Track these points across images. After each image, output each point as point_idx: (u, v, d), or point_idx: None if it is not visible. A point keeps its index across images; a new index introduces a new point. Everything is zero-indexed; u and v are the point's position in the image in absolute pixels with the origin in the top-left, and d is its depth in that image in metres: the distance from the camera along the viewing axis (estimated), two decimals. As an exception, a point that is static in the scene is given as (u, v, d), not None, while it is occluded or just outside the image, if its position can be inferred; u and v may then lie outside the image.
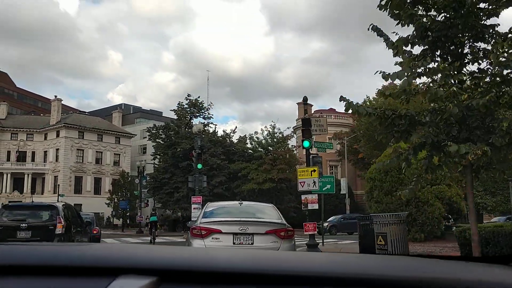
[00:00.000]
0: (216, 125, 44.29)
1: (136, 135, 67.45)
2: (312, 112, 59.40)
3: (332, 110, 58.81)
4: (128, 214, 47.38)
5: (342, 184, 42.33)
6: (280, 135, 38.06)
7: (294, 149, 39.28)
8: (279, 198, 37.51)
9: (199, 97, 39.76)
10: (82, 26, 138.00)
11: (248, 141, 39.23)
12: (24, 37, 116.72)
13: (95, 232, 17.28)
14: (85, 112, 67.00)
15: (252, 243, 6.80)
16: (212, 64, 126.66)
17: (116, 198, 50.32)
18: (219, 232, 6.93)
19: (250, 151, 39.74)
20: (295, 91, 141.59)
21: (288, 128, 40.56)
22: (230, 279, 0.85)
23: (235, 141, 40.26)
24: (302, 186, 14.39)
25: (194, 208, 25.37)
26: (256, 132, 38.26)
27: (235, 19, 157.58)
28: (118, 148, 65.13)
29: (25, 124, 62.81)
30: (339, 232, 31.98)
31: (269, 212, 7.97)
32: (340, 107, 11.34)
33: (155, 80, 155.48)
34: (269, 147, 37.92)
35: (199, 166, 26.22)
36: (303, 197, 14.69)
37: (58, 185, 57.76)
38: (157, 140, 40.20)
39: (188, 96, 39.37)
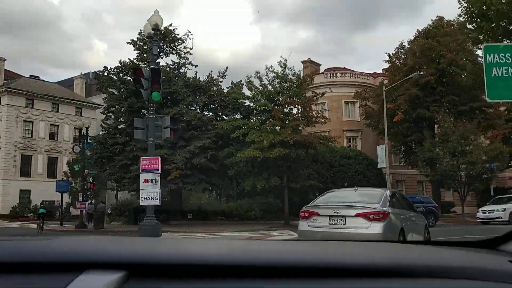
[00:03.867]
0: (197, 66, 29.90)
1: (103, 105, 54.17)
2: (322, 71, 46.95)
3: (345, 69, 46.35)
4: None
5: (380, 154, 29.69)
6: (294, 77, 25.06)
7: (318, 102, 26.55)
8: (293, 173, 24.82)
9: (171, 24, 26.66)
10: (67, 15, 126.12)
11: (245, 89, 26.16)
12: (8, 28, 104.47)
13: None
14: (38, 77, 53.69)
15: (344, 224, 7.68)
16: (200, 55, 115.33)
17: (74, 183, 38.08)
18: (317, 214, 8.13)
19: (248, 103, 26.76)
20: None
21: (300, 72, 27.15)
22: (202, 272, 0.82)
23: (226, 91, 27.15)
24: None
25: (144, 182, 12.88)
26: (258, 73, 25.02)
27: (221, 9, 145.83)
28: (79, 122, 51.86)
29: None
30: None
31: (373, 197, 8.43)
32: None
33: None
34: (280, 96, 24.98)
35: (155, 95, 13.41)
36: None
37: (-3, 165, 44.75)
38: (110, 89, 27.09)
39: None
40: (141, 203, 13.93)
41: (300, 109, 25.36)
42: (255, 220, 28.57)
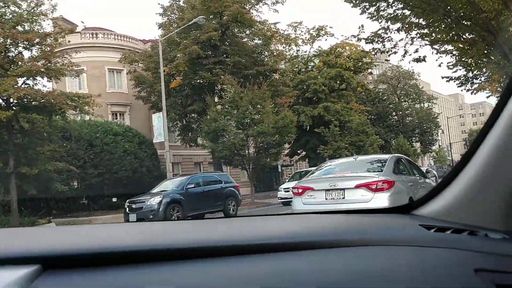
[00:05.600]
0: None
1: None
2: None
3: (108, 30, 37.84)
4: None
5: (156, 124, 22.97)
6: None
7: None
8: (25, 152, 15.58)
9: None
10: None
11: None
12: None
13: None
14: None
15: (344, 198, 6.96)
16: None
17: None
18: (312, 189, 7.43)
19: None
20: None
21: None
22: (119, 260, 0.79)
23: None
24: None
25: None
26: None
27: None
28: None
29: None
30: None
31: (375, 165, 7.72)
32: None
33: None
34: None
35: None
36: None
37: None
38: None
39: None
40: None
41: (38, 51, 16.24)
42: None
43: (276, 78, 29.26)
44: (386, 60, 28.43)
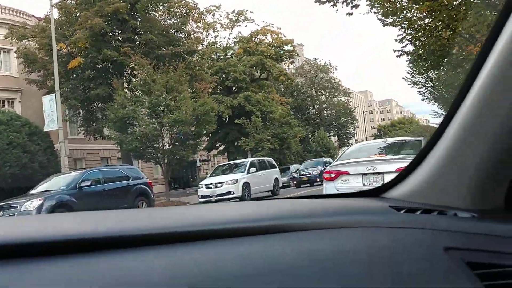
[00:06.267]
0: None
1: None
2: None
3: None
4: None
5: (47, 108, 18.96)
6: None
7: None
8: None
9: None
10: None
11: None
12: None
13: None
14: None
15: (383, 182, 5.62)
16: None
17: None
18: (347, 173, 6.97)
19: None
20: None
21: None
22: (64, 248, 0.74)
23: None
24: None
25: None
26: None
27: None
28: None
29: None
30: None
31: (411, 147, 7.43)
32: None
33: None
34: None
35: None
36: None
37: None
38: None
39: None
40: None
41: None
42: None
43: (194, 60, 26.19)
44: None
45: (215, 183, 16.72)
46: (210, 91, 26.82)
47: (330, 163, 29.30)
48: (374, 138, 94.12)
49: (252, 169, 17.68)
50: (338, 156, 8.25)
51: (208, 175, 19.15)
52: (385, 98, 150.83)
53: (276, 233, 0.83)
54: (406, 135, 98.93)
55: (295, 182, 24.85)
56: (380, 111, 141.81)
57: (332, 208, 1.03)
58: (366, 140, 66.53)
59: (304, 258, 0.77)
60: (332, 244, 0.82)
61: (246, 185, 16.82)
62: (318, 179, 24.10)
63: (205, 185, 17.29)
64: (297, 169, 27.27)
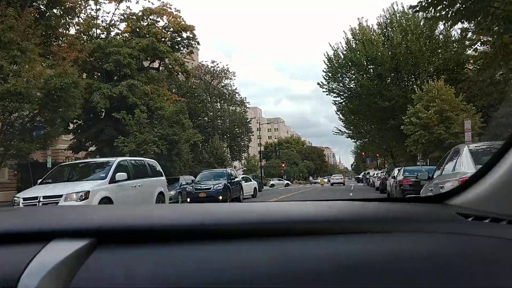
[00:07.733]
0: None
1: None
2: None
3: None
4: None
5: None
6: None
7: None
8: None
9: None
10: None
11: None
12: None
13: None
14: None
15: None
16: None
17: None
18: None
19: None
20: None
21: None
22: (170, 236, 0.81)
23: None
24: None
25: None
26: None
27: None
28: None
29: None
30: None
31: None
32: None
33: None
34: None
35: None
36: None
37: None
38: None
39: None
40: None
41: None
42: None
43: (55, 13, 18.48)
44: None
45: (43, 198, 9.60)
46: (77, 60, 19.26)
47: (235, 177, 23.63)
48: (260, 156, 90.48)
49: (121, 175, 10.82)
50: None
51: (39, 181, 11.71)
52: (273, 116, 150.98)
53: (349, 233, 0.84)
54: (294, 154, 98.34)
55: (188, 199, 18.32)
56: (268, 129, 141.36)
57: (399, 212, 1.03)
58: (261, 154, 62.29)
59: (380, 260, 0.78)
60: (400, 248, 0.82)
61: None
62: (221, 197, 17.97)
63: (23, 199, 9.97)
64: (192, 181, 20.82)
